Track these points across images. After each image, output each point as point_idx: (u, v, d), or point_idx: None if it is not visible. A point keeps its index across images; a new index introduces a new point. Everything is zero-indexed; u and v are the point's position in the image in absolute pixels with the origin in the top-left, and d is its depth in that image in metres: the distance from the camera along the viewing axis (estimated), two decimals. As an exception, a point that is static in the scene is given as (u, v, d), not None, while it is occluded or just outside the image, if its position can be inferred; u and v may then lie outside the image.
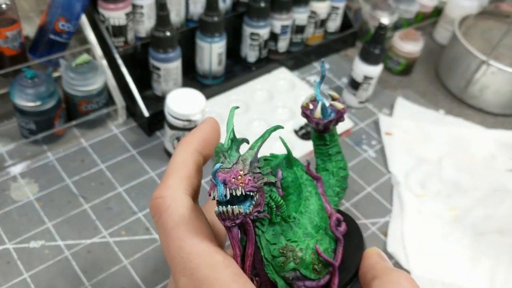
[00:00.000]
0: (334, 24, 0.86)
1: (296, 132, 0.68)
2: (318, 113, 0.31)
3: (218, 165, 0.24)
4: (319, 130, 0.32)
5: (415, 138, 0.72)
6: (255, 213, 0.25)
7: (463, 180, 0.66)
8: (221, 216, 0.25)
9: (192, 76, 0.74)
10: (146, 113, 0.64)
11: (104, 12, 0.62)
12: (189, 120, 0.58)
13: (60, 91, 0.62)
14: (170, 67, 0.65)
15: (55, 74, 0.64)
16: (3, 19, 0.57)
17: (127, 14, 0.64)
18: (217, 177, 0.24)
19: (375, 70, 0.73)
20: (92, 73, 0.61)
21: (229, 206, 0.24)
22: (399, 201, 0.63)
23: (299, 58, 0.83)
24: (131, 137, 0.66)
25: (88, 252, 0.52)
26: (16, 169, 0.59)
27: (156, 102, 0.68)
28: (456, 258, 0.57)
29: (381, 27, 0.70)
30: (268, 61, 0.79)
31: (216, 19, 0.67)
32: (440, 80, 0.86)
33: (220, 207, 0.24)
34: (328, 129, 0.32)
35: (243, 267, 0.27)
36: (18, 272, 0.49)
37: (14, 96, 0.57)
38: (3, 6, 0.56)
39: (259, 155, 0.28)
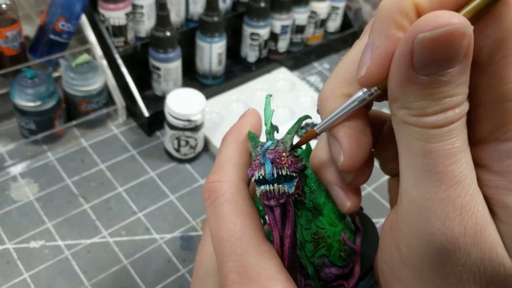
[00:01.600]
0: (334, 24, 0.86)
1: (296, 132, 0.68)
2: None
3: (269, 143, 0.25)
4: None
5: None
6: (296, 195, 0.26)
7: None
8: (267, 195, 0.25)
9: (192, 76, 0.74)
10: (146, 113, 0.64)
11: (104, 12, 0.62)
12: (189, 120, 0.58)
13: (60, 91, 0.62)
14: (170, 67, 0.65)
15: (55, 74, 0.64)
16: (3, 19, 0.57)
17: (127, 14, 0.64)
18: (265, 156, 0.25)
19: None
20: (92, 73, 0.61)
21: (275, 185, 0.25)
22: None
23: (299, 58, 0.83)
24: (131, 137, 0.66)
25: (88, 252, 0.52)
26: (16, 169, 0.59)
27: (156, 102, 0.68)
28: None
29: (381, 27, 0.70)
30: (268, 61, 0.79)
31: (216, 19, 0.67)
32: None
33: (267, 186, 0.25)
34: None
35: (282, 249, 0.27)
36: (18, 272, 0.49)
37: (14, 96, 0.57)
38: (3, 6, 0.56)
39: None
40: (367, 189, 0.64)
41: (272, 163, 0.25)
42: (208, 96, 0.68)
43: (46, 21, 0.61)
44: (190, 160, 0.63)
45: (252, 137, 0.28)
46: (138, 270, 0.51)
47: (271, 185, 0.25)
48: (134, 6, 0.64)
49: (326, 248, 0.29)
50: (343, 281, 0.30)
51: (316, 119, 0.70)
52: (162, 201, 0.58)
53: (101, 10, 0.62)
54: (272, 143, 0.26)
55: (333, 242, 0.29)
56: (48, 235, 0.53)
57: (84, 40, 0.65)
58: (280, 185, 0.25)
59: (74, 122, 0.63)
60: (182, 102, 0.58)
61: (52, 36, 0.61)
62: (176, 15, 0.69)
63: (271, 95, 0.29)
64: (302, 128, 0.69)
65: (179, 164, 0.63)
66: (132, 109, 0.67)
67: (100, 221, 0.55)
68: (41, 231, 0.53)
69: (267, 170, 0.25)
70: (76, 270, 0.50)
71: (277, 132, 0.29)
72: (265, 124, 0.28)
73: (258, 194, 0.25)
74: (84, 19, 0.63)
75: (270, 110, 0.28)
